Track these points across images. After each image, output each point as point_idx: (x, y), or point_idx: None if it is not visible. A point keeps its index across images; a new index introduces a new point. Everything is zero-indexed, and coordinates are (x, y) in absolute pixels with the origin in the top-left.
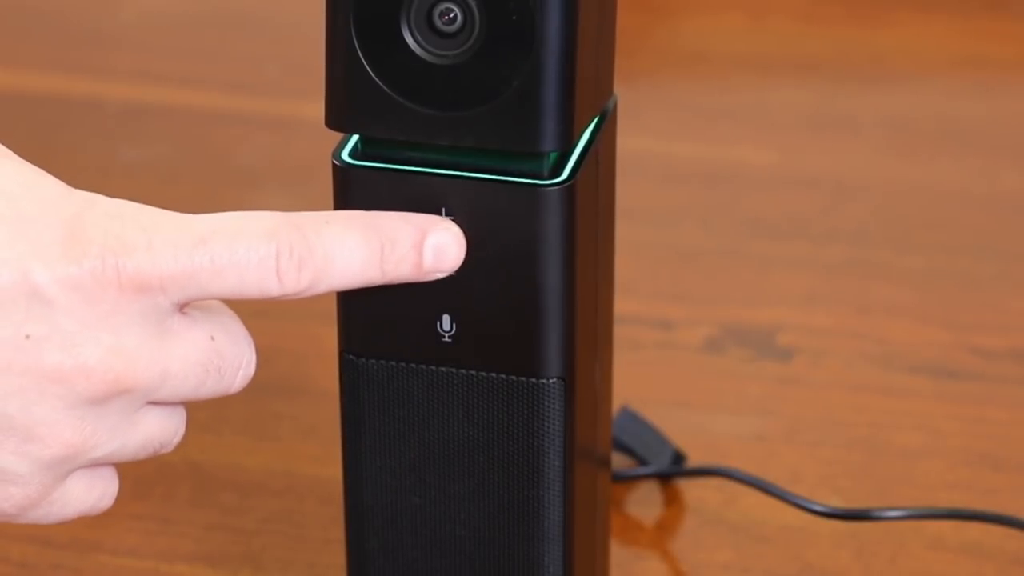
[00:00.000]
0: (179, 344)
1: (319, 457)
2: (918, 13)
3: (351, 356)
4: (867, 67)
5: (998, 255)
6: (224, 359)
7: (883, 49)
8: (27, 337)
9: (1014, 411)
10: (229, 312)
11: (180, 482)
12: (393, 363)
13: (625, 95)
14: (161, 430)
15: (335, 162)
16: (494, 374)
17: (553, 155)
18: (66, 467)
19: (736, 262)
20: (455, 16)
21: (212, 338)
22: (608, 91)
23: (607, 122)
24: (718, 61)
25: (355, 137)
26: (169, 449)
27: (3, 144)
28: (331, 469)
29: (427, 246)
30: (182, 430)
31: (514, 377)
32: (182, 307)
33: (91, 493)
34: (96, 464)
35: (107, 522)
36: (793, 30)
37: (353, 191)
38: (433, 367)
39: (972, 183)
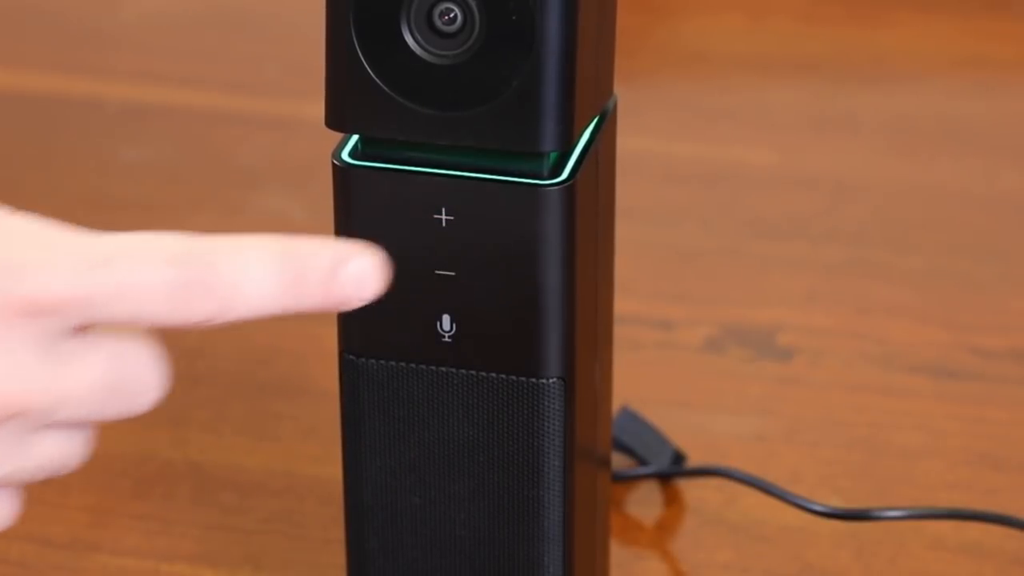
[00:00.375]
0: (76, 367)
1: (319, 457)
2: (918, 13)
3: (351, 356)
4: (867, 67)
5: (998, 255)
6: (127, 382)
7: (883, 49)
8: None
9: (1014, 411)
10: (137, 332)
11: (180, 482)
12: (393, 363)
13: (625, 95)
14: (60, 452)
15: (335, 162)
16: (494, 374)
17: (553, 155)
18: None
19: (736, 262)
20: (455, 16)
21: (113, 360)
22: (608, 91)
23: (607, 122)
24: (718, 61)
25: (355, 137)
26: (71, 470)
27: (5, 145)
28: (331, 469)
29: (345, 274)
30: (87, 450)
31: (514, 377)
32: (83, 328)
33: None
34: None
35: (107, 522)
36: (793, 30)
37: (353, 191)
38: (433, 367)
39: (972, 183)
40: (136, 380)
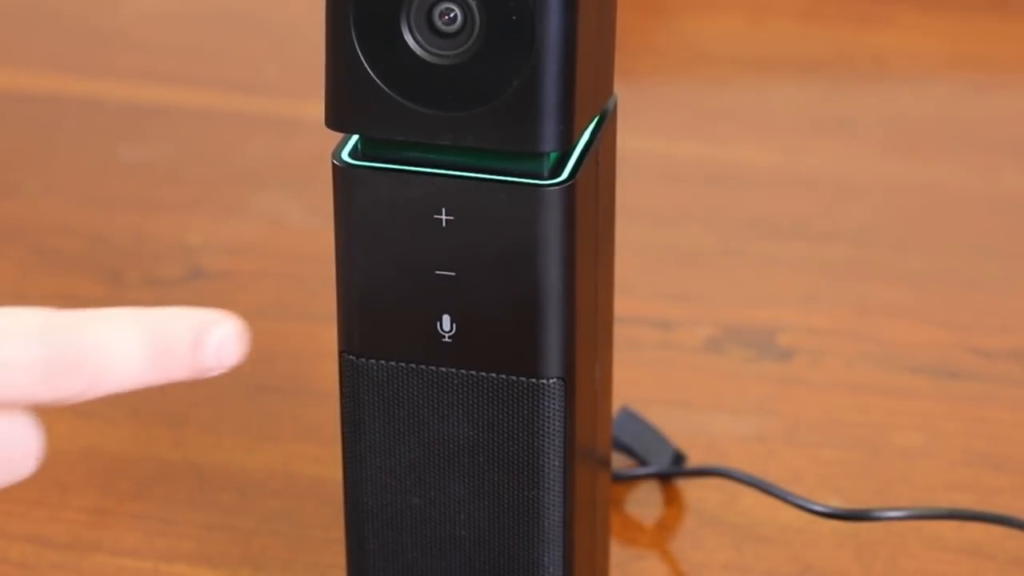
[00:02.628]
0: None
1: (319, 457)
2: (918, 13)
3: (351, 356)
4: (867, 67)
5: (998, 255)
6: (5, 454)
7: (883, 49)
8: None
9: (1014, 411)
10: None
11: (180, 482)
12: (393, 363)
13: (625, 95)
14: None
15: (335, 162)
16: (494, 374)
17: (553, 155)
18: None
19: (736, 262)
20: (455, 16)
21: None
22: (608, 91)
23: (607, 122)
24: (718, 61)
25: (355, 137)
26: None
27: (4, 145)
28: (331, 469)
29: (208, 344)
30: None
31: (514, 377)
32: None
33: None
34: None
35: (107, 522)
36: (793, 30)
37: (353, 191)
38: (433, 367)
39: (972, 183)
40: (13, 452)
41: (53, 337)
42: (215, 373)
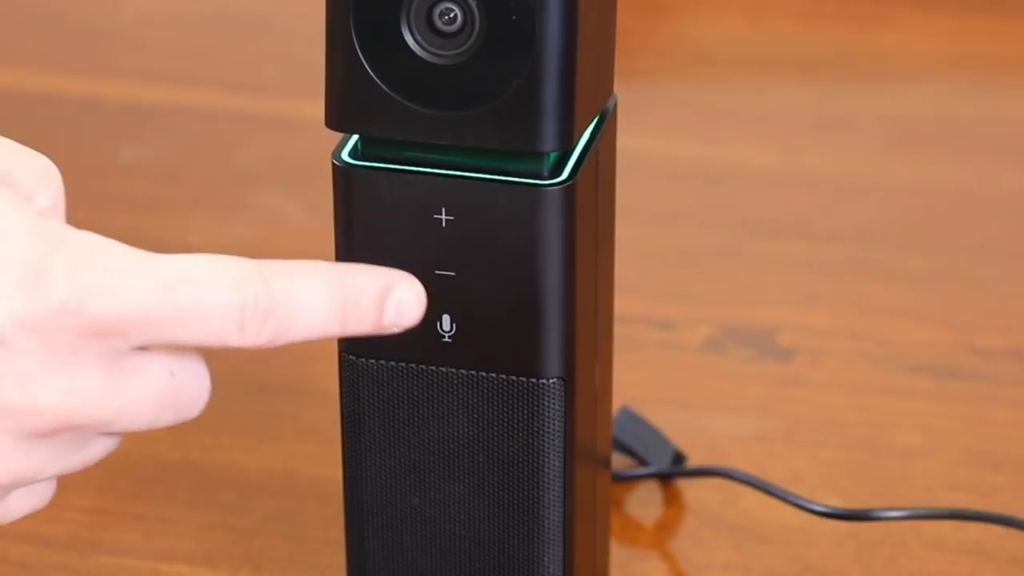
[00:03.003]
0: (136, 382)
1: (319, 457)
2: (918, 13)
3: (351, 356)
4: (867, 67)
5: (998, 255)
6: (182, 393)
7: (883, 49)
8: None
9: (1014, 411)
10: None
11: (180, 482)
12: (393, 363)
13: (625, 95)
14: (106, 450)
15: (335, 162)
16: (494, 374)
17: (553, 155)
18: (9, 490)
19: (736, 262)
20: (455, 16)
21: (172, 374)
22: (608, 91)
23: (607, 122)
24: (718, 61)
25: (355, 137)
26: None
27: None
28: (331, 469)
29: (389, 302)
30: (118, 442)
31: (514, 377)
32: (143, 344)
33: (31, 500)
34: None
35: (107, 522)
36: (793, 30)
37: (353, 191)
38: (433, 367)
39: (972, 183)
40: (188, 393)
41: (248, 285)
42: (393, 331)
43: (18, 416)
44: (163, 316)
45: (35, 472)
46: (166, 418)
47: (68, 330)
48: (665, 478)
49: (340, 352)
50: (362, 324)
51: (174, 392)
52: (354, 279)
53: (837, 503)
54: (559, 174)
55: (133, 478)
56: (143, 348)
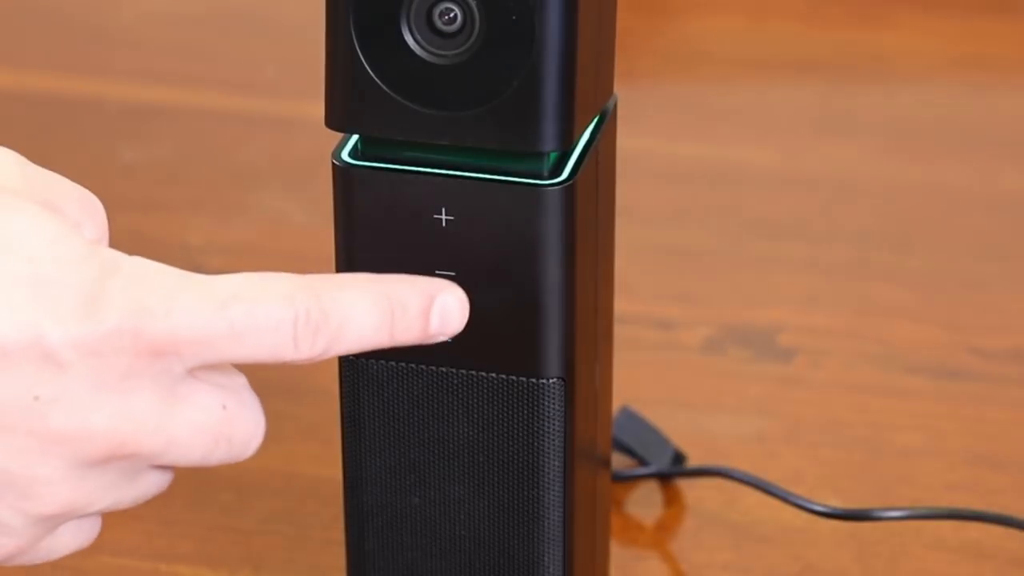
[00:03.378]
0: (188, 411)
1: (319, 457)
2: (918, 13)
3: (351, 356)
4: (867, 67)
5: (998, 255)
6: (235, 428)
7: (883, 49)
8: (36, 399)
9: (1014, 411)
10: (241, 378)
11: (180, 482)
12: (393, 363)
13: (625, 95)
14: (158, 486)
15: (335, 162)
16: (494, 374)
17: (553, 155)
18: (59, 521)
19: (736, 262)
20: (455, 16)
21: (224, 407)
22: (608, 91)
23: (607, 122)
24: (719, 61)
25: (355, 137)
26: (156, 494)
27: (4, 145)
28: (331, 469)
29: (434, 311)
30: (172, 477)
31: (514, 377)
32: (194, 371)
33: (77, 539)
34: (88, 516)
35: (107, 522)
36: (793, 31)
37: (353, 191)
38: (433, 367)
39: (972, 183)
40: (244, 427)
41: (300, 299)
42: (440, 339)
43: (71, 442)
44: (217, 335)
45: (86, 503)
46: (219, 454)
47: (123, 352)
48: (665, 478)
49: None
50: (409, 333)
51: (227, 426)
52: (400, 289)
53: (837, 503)
54: (559, 174)
55: None
56: (196, 377)
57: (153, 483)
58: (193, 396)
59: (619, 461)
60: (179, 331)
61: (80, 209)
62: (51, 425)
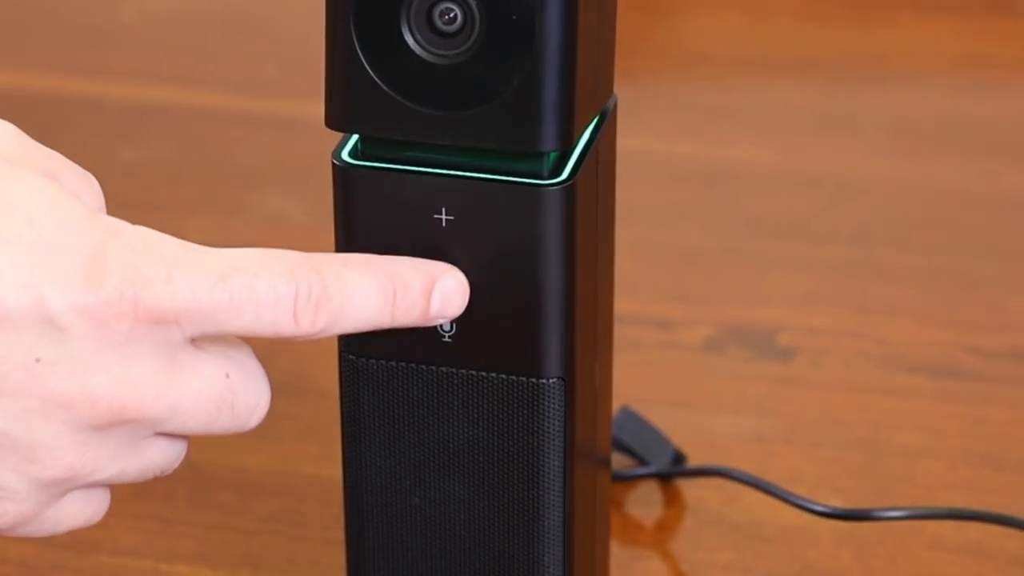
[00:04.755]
0: (191, 379)
1: (319, 457)
2: (918, 13)
3: (351, 356)
4: (867, 67)
5: (998, 255)
6: (238, 396)
7: (883, 49)
8: (37, 361)
9: (1014, 411)
10: (246, 348)
11: (180, 482)
12: (393, 363)
13: (625, 95)
14: (164, 458)
15: (335, 162)
16: (494, 374)
17: (553, 155)
18: (64, 488)
19: (736, 262)
20: (455, 16)
21: (227, 375)
22: (608, 91)
23: (607, 122)
24: (718, 61)
25: (355, 137)
26: (168, 472)
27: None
28: (331, 469)
29: (435, 293)
30: (184, 454)
31: (514, 377)
32: (197, 341)
33: (84, 511)
34: (93, 486)
35: (107, 522)
36: (793, 30)
37: (353, 191)
38: (433, 367)
39: (973, 183)
40: (248, 396)
41: (302, 274)
42: (439, 322)
43: (73, 405)
44: (217, 305)
45: (91, 469)
46: (222, 421)
47: (123, 318)
48: (665, 478)
49: (340, 352)
50: (411, 314)
51: (230, 394)
52: (403, 270)
53: (837, 503)
54: (559, 174)
55: None
56: (199, 346)
57: (160, 454)
58: (195, 364)
59: (619, 461)
60: (178, 300)
61: (78, 180)
62: (52, 388)
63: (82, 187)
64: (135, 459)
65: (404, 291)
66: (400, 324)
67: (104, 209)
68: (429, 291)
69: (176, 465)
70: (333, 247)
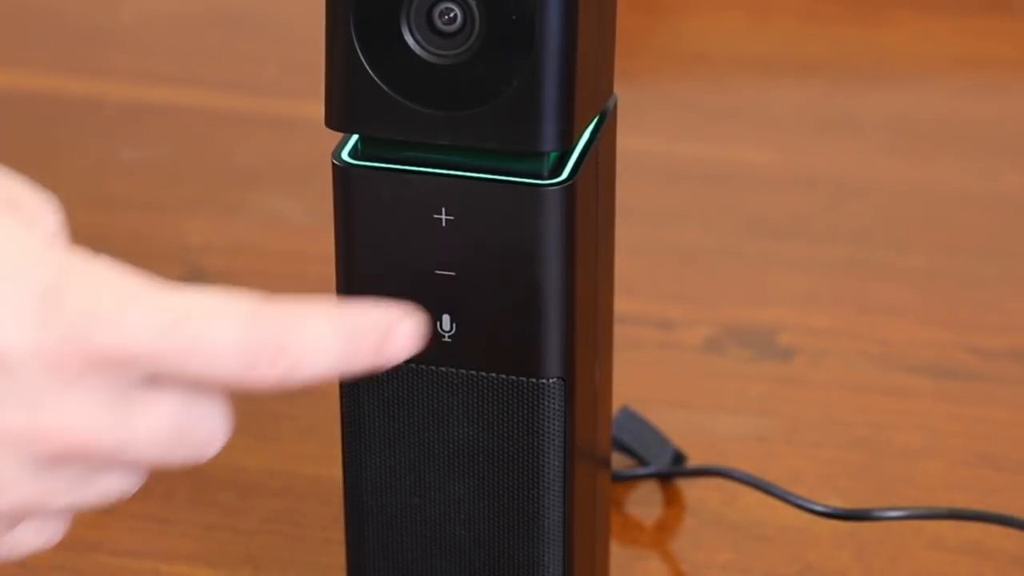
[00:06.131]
0: (144, 416)
1: (319, 457)
2: (918, 13)
3: None
4: (867, 67)
5: (998, 255)
6: (193, 432)
7: (883, 49)
8: None
9: (1014, 411)
10: (208, 384)
11: (180, 482)
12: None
13: (625, 95)
14: (119, 487)
15: (335, 162)
16: (494, 374)
17: (553, 155)
18: (16, 520)
19: (736, 262)
20: (455, 16)
21: (180, 410)
22: (608, 91)
23: (607, 122)
24: (718, 61)
25: (355, 137)
26: (125, 498)
27: (5, 145)
28: (331, 469)
29: (392, 336)
30: (141, 480)
31: (514, 377)
32: (154, 377)
33: (40, 536)
34: (48, 516)
35: (107, 522)
36: (793, 30)
37: (353, 191)
38: (433, 367)
39: (973, 183)
40: (201, 430)
41: (259, 323)
42: (393, 364)
43: (23, 439)
44: (170, 349)
45: (42, 501)
46: (180, 454)
47: (75, 356)
48: (665, 478)
49: None
50: (364, 360)
51: (185, 429)
52: (358, 316)
53: (837, 503)
54: (559, 174)
55: None
56: (155, 383)
57: (115, 484)
58: (150, 401)
59: (619, 461)
60: (131, 342)
61: (37, 206)
62: (5, 422)
63: (43, 211)
64: (89, 490)
65: (361, 336)
66: (357, 369)
67: (64, 234)
68: (386, 335)
69: (130, 493)
70: (333, 247)
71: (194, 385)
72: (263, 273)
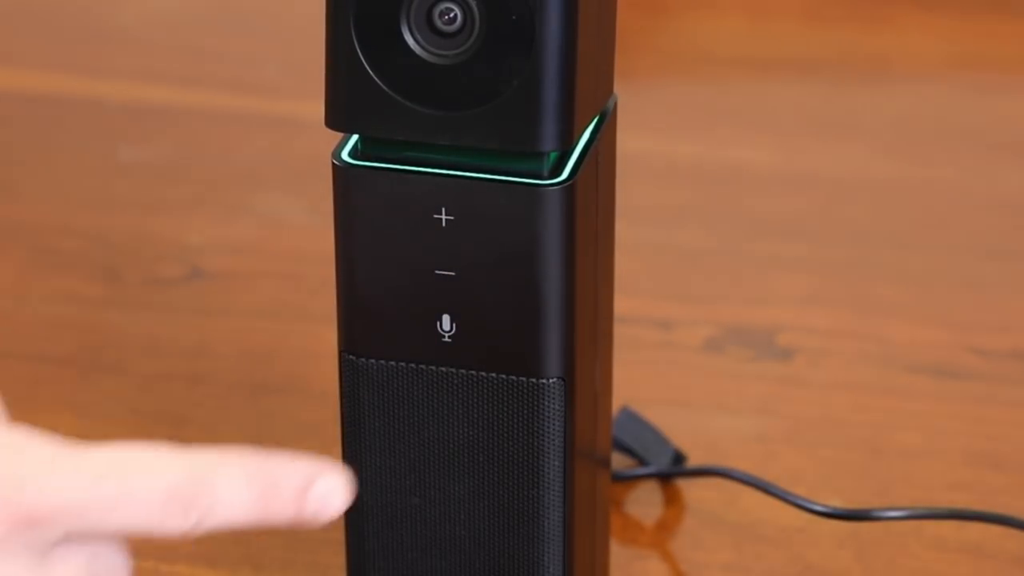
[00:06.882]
0: (62, 572)
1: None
2: (918, 13)
3: (351, 356)
4: (868, 67)
5: (998, 255)
6: None
7: (884, 49)
8: None
9: (1014, 411)
10: (115, 542)
11: None
12: (393, 363)
13: (625, 95)
14: None
15: (335, 162)
16: (494, 374)
17: (553, 155)
18: None
19: (736, 262)
20: (455, 16)
21: (92, 562)
22: (608, 91)
23: (607, 122)
24: (719, 61)
25: (355, 137)
26: None
27: (4, 145)
28: None
29: (311, 494)
30: None
31: (514, 377)
32: (70, 535)
33: None
34: None
35: None
36: (794, 30)
37: (353, 191)
38: (433, 367)
39: (972, 183)
40: None
41: (171, 477)
42: (316, 524)
43: None
44: (90, 507)
45: None
46: None
47: (1, 521)
48: (665, 478)
49: (340, 352)
50: (283, 513)
51: None
52: (277, 469)
53: (837, 503)
54: (559, 174)
55: None
56: (70, 540)
57: None
58: (64, 558)
59: (619, 461)
60: (53, 503)
61: None
62: None
63: None
64: None
65: (276, 490)
66: (274, 522)
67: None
68: (305, 491)
69: None
70: (333, 247)
71: (104, 537)
72: (263, 273)
